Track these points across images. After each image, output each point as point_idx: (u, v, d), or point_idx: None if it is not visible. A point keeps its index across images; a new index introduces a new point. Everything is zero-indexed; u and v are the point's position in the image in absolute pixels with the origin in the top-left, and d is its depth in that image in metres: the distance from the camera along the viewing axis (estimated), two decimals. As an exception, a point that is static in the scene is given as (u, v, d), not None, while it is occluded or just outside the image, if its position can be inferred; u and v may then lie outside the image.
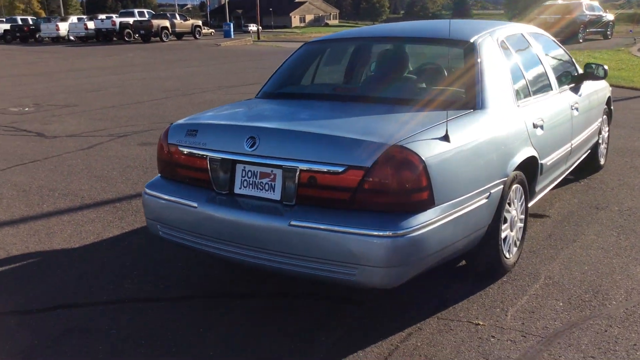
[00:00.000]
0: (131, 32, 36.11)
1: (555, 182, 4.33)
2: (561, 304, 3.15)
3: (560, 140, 4.02)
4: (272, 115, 3.37)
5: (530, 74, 3.99)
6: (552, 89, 4.15)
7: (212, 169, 2.99)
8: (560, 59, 4.75)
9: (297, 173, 2.74)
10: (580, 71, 4.84)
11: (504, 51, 3.67)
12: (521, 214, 3.58)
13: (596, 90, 5.06)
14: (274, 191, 2.84)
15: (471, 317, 3.03)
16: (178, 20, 37.79)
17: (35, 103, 11.46)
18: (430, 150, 2.69)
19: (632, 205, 4.67)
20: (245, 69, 18.40)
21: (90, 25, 37.10)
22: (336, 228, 2.60)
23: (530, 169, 3.62)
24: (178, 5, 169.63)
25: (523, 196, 3.57)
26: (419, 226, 2.61)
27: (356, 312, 3.12)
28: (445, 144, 2.78)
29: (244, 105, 3.68)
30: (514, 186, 3.38)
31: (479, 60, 3.41)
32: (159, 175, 3.35)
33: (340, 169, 2.65)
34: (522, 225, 3.61)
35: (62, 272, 3.66)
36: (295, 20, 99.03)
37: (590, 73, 4.79)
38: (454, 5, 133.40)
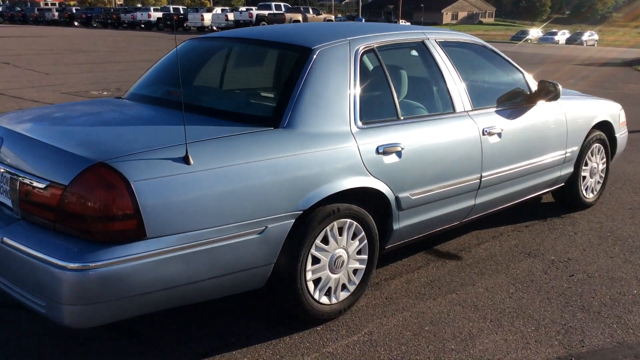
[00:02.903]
0: (265, 24, 37.32)
1: (458, 221, 3.65)
2: (346, 369, 2.62)
3: (447, 171, 3.36)
4: (54, 118, 3.11)
5: (404, 92, 3.39)
6: (451, 110, 3.49)
7: (-21, 173, 2.85)
8: (491, 75, 4.02)
9: (18, 184, 2.51)
10: (534, 90, 4.05)
11: (363, 63, 3.15)
12: (358, 253, 3.05)
13: (565, 112, 4.21)
14: (11, 201, 2.62)
15: (228, 368, 2.62)
16: (311, 14, 38.36)
17: (117, 88, 12.13)
18: (148, 172, 2.31)
19: (575, 256, 3.83)
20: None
21: (231, 16, 38.94)
22: (33, 252, 2.32)
23: (376, 203, 3.07)
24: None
25: (363, 233, 3.03)
26: (117, 260, 2.25)
27: (125, 344, 2.83)
28: (181, 166, 2.38)
29: (69, 106, 3.50)
30: (338, 221, 2.88)
31: (307, 71, 2.93)
32: None
33: (43, 184, 2.38)
34: (360, 266, 3.08)
35: None
36: (447, 17, 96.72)
37: (542, 92, 3.99)
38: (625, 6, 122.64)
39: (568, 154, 4.30)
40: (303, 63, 2.97)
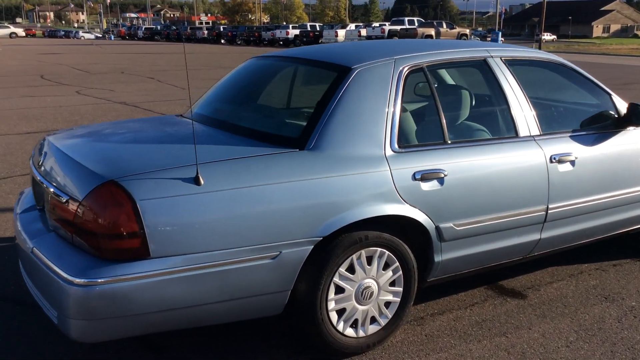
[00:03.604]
0: (398, 39, 37.21)
1: (521, 256, 3.31)
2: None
3: (502, 201, 3.06)
4: (98, 135, 3.22)
5: (458, 114, 3.15)
6: (514, 134, 3.19)
7: (33, 184, 3.04)
8: (571, 97, 3.61)
9: (50, 196, 2.64)
10: (622, 113, 3.59)
11: (409, 84, 2.96)
12: (391, 285, 2.86)
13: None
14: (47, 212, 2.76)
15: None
16: (444, 28, 37.69)
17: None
18: (156, 191, 2.32)
19: (662, 304, 3.34)
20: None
21: (363, 32, 39.34)
22: (50, 264, 2.42)
23: (415, 233, 2.87)
24: (478, 12, 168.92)
25: (397, 264, 2.85)
26: (120, 278, 2.28)
27: (145, 357, 2.87)
28: (190, 186, 2.37)
29: (121, 124, 3.62)
30: (366, 250, 2.73)
31: (342, 91, 2.81)
32: None
33: (64, 198, 2.48)
34: (394, 299, 2.89)
35: None
36: (597, 30, 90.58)
37: (632, 116, 3.53)
38: None
39: (668, 186, 3.76)
40: (339, 83, 2.87)
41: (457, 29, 39.69)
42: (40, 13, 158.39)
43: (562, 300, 3.39)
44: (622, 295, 3.44)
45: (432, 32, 36.25)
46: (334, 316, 2.74)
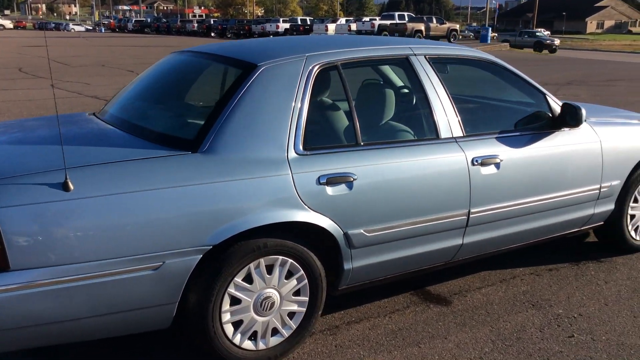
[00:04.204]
0: (387, 34, 36.98)
1: (443, 262, 3.18)
2: None
3: (417, 206, 2.91)
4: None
5: (375, 115, 3.01)
6: (434, 136, 3.04)
7: None
8: (503, 97, 3.46)
9: None
10: (556, 114, 3.45)
11: (319, 83, 2.82)
12: (295, 294, 2.72)
13: (600, 140, 3.56)
14: None
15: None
16: (434, 23, 37.49)
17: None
18: (18, 198, 2.14)
19: (589, 312, 3.20)
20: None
21: (353, 27, 39.10)
22: None
23: (323, 240, 2.73)
24: (473, 8, 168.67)
25: (302, 272, 2.70)
26: (-28, 292, 2.12)
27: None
28: (58, 192, 2.20)
29: (21, 122, 3.49)
30: (266, 258, 2.58)
31: (244, 90, 2.65)
32: None
33: None
34: (299, 309, 2.74)
35: None
36: (592, 26, 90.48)
37: (566, 117, 3.39)
38: None
39: (605, 189, 3.63)
40: (242, 80, 2.72)
41: (447, 24, 39.44)
42: (32, 5, 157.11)
43: (486, 307, 3.26)
44: (550, 303, 3.31)
45: (422, 27, 35.97)
46: (229, 329, 2.59)
